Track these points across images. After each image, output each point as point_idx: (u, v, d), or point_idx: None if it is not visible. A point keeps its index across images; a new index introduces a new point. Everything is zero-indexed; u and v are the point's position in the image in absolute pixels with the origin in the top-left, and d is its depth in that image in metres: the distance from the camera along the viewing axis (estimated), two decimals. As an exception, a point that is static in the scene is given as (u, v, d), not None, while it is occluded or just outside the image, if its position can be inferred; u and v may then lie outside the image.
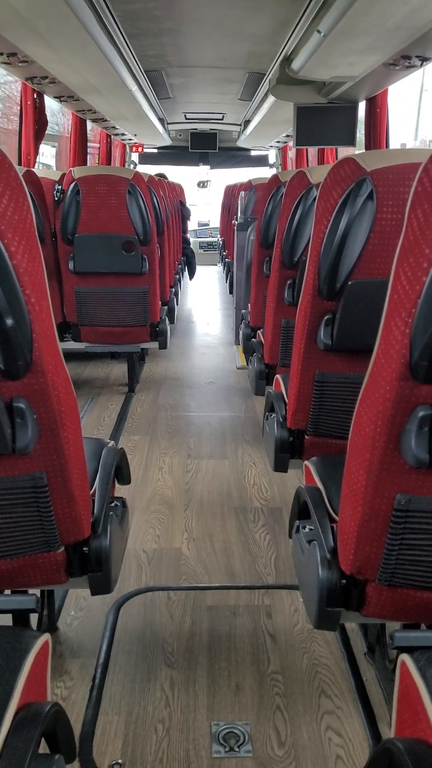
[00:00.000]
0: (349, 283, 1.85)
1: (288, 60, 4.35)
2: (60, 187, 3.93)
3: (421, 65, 3.92)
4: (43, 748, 1.16)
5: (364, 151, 4.50)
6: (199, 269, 10.33)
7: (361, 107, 5.25)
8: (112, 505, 1.72)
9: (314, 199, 2.43)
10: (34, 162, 5.12)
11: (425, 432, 1.12)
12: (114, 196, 3.80)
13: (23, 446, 1.23)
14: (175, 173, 11.72)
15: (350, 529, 1.33)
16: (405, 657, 1.08)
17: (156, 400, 4.47)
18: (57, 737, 1.15)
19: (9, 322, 1.10)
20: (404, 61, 3.86)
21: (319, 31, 3.41)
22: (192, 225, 12.74)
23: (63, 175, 4.01)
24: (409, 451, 1.14)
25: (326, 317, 1.96)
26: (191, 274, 9.39)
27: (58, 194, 3.92)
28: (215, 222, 13.33)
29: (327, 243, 1.84)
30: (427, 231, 1.02)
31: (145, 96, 5.93)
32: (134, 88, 5.21)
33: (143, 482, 3.18)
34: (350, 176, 1.76)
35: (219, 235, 12.16)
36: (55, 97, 5.35)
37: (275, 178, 3.58)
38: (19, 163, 5.03)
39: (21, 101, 4.96)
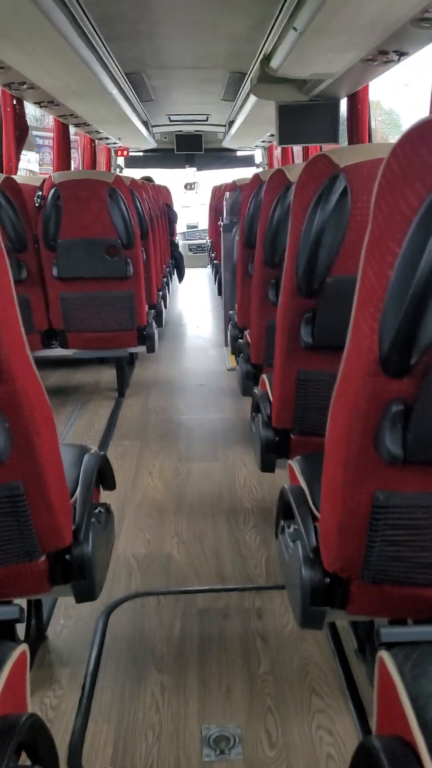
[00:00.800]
0: (328, 280, 1.84)
1: (267, 59, 4.34)
2: (41, 193, 3.91)
3: (399, 60, 3.92)
4: (26, 761, 1.15)
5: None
6: (189, 272, 10.32)
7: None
8: (96, 511, 1.71)
9: (293, 197, 2.42)
10: (16, 169, 5.10)
11: (398, 427, 1.11)
12: (95, 201, 3.78)
13: None
14: (163, 176, 11.72)
15: (331, 528, 1.32)
16: (383, 653, 1.07)
17: (146, 404, 4.46)
18: (37, 748, 1.14)
19: None
20: (382, 56, 3.86)
21: (295, 29, 3.40)
22: (181, 227, 12.74)
23: (44, 181, 4.00)
24: (384, 447, 1.13)
25: (306, 315, 1.95)
26: (180, 277, 9.37)
27: (39, 200, 3.90)
28: (204, 224, 13.32)
29: (303, 240, 1.83)
30: (391, 224, 1.01)
31: (126, 99, 5.91)
32: (115, 91, 5.19)
33: (133, 487, 3.16)
34: (324, 172, 1.75)
35: (208, 237, 12.16)
36: (35, 103, 5.34)
37: (256, 178, 3.58)
38: (1, 170, 5.01)
39: (0, 108, 4.94)
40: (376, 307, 1.06)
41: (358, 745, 1.08)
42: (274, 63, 4.24)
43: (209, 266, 11.83)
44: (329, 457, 1.30)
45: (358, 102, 5.09)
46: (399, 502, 1.21)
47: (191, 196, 13.13)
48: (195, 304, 9.03)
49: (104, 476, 1.91)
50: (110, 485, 1.96)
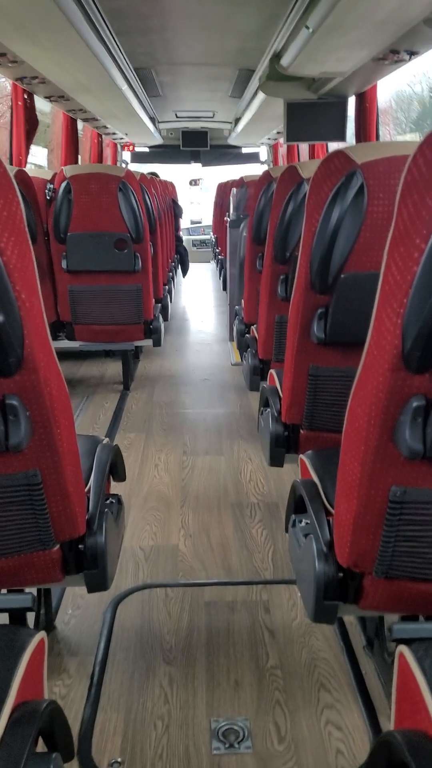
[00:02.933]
0: (342, 276, 1.85)
1: (277, 56, 4.35)
2: (52, 186, 3.92)
3: (410, 59, 3.92)
4: (41, 747, 1.16)
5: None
6: (193, 267, 10.32)
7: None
8: (108, 502, 1.71)
9: (305, 193, 2.43)
10: (26, 162, 5.11)
11: (419, 423, 1.12)
12: (106, 195, 3.79)
13: (16, 444, 1.23)
14: (169, 172, 11.71)
15: (346, 522, 1.32)
16: (403, 648, 1.08)
17: (151, 397, 4.47)
18: (54, 735, 1.15)
19: (0, 318, 1.10)
20: (393, 55, 3.86)
21: (307, 27, 3.41)
22: (185, 223, 12.75)
23: (55, 175, 4.00)
24: (404, 442, 1.14)
25: (319, 311, 1.96)
26: (184, 272, 9.37)
27: (50, 193, 3.91)
28: (207, 220, 13.34)
29: (318, 237, 1.83)
30: (417, 221, 1.02)
31: (135, 94, 5.92)
32: (124, 86, 5.20)
33: (139, 479, 3.18)
34: (340, 170, 1.76)
35: (212, 233, 12.16)
36: (45, 97, 5.34)
37: (266, 174, 3.58)
38: (11, 164, 5.02)
39: (12, 101, 4.95)
40: (400, 303, 1.06)
41: (378, 739, 1.08)
42: (284, 61, 4.25)
43: (212, 261, 11.84)
44: (346, 451, 1.30)
45: (366, 101, 5.09)
46: (416, 497, 1.22)
47: (200, 193, 13.14)
48: (199, 299, 9.04)
49: (116, 467, 1.92)
50: (121, 476, 1.97)
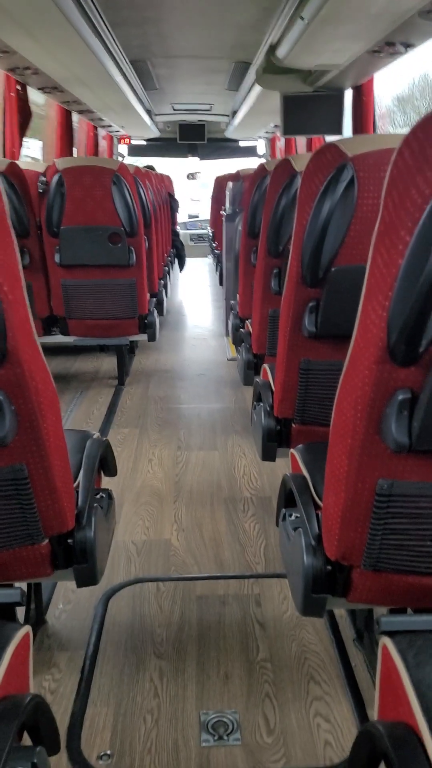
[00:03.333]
0: (332, 269, 1.84)
1: (273, 48, 4.32)
2: (44, 179, 3.90)
3: (405, 51, 3.91)
4: (28, 742, 1.16)
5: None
6: (190, 261, 10.30)
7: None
8: (98, 496, 1.71)
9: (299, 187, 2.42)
10: (19, 154, 5.08)
11: (405, 416, 1.12)
12: (99, 188, 3.77)
13: (1, 438, 1.22)
14: (169, 167, 11.68)
15: (334, 516, 1.32)
16: (386, 640, 1.08)
17: (146, 392, 4.46)
18: (39, 729, 1.15)
19: None
20: (388, 48, 3.84)
21: (302, 18, 3.39)
22: (182, 217, 12.72)
23: (48, 167, 3.98)
24: (390, 435, 1.14)
25: (310, 305, 1.95)
26: (181, 266, 9.37)
27: (43, 186, 3.89)
28: (205, 215, 13.31)
29: (309, 230, 1.83)
30: (402, 213, 1.01)
31: (131, 87, 5.89)
32: (119, 78, 5.17)
33: (132, 474, 3.17)
34: (332, 162, 1.75)
35: (209, 227, 12.14)
36: (39, 89, 5.31)
37: (261, 168, 3.57)
38: (3, 156, 4.99)
39: (4, 93, 4.91)
40: (386, 296, 1.06)
41: (361, 730, 1.09)
42: (280, 53, 4.23)
43: (210, 256, 11.82)
44: (333, 444, 1.30)
45: (363, 93, 5.07)
46: (403, 490, 1.22)
47: (200, 189, 13.12)
48: (195, 293, 9.03)
49: (106, 462, 1.92)
50: (112, 471, 1.97)
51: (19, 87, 4.97)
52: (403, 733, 0.95)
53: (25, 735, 1.15)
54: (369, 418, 1.16)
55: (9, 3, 3.08)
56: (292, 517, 1.61)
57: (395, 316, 1.05)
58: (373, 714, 1.68)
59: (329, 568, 1.43)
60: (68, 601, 2.21)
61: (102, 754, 1.64)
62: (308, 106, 5.32)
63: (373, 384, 1.12)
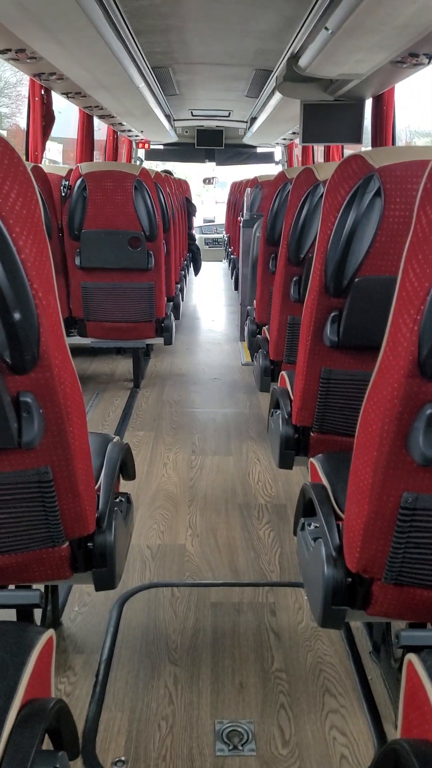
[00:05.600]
0: (356, 279, 1.84)
1: (295, 57, 4.34)
2: (67, 182, 3.92)
3: (429, 63, 3.91)
4: (47, 744, 1.16)
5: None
6: (205, 265, 10.33)
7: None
8: (117, 500, 1.72)
9: (321, 195, 2.42)
10: (41, 158, 5.12)
11: None
12: (120, 192, 3.79)
13: (29, 441, 1.23)
14: (188, 172, 11.71)
15: (356, 527, 1.32)
16: (412, 657, 1.07)
17: (161, 395, 4.47)
18: (61, 734, 1.15)
19: (17, 316, 1.10)
20: (412, 59, 3.85)
21: (327, 29, 3.40)
22: (197, 221, 12.76)
23: (70, 171, 4.01)
24: (417, 449, 1.13)
25: (333, 314, 1.95)
26: (196, 270, 9.40)
27: (65, 190, 3.92)
28: (220, 219, 13.34)
29: (334, 240, 1.83)
30: None
31: (152, 92, 5.92)
32: (141, 84, 5.20)
33: (147, 478, 3.18)
34: (358, 173, 1.75)
35: (224, 232, 12.16)
36: (62, 94, 5.35)
37: (282, 175, 3.57)
38: (27, 159, 5.03)
39: (29, 97, 4.96)
40: (417, 309, 1.06)
41: (384, 747, 1.08)
42: (303, 62, 4.24)
43: (224, 260, 11.84)
44: (358, 456, 1.30)
45: (383, 103, 5.08)
46: (428, 504, 1.21)
47: (220, 192, 13.16)
48: (210, 297, 9.04)
49: (125, 466, 1.92)
50: (131, 475, 1.97)
51: (43, 92, 5.00)
52: (430, 751, 0.94)
53: (46, 738, 1.15)
54: (396, 431, 1.15)
55: (39, 11, 3.11)
56: (312, 527, 1.61)
57: (426, 330, 1.05)
58: (391, 729, 1.68)
59: (349, 580, 1.43)
60: (84, 604, 2.21)
61: (117, 759, 1.64)
62: (328, 115, 5.34)
63: (402, 397, 1.12)
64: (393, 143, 5.20)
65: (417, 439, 1.13)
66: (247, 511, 2.88)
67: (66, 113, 5.91)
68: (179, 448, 3.56)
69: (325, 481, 1.69)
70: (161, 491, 3.05)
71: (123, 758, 1.64)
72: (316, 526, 1.59)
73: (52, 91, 5.18)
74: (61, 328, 1.24)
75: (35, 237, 1.11)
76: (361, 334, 1.92)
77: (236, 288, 7.65)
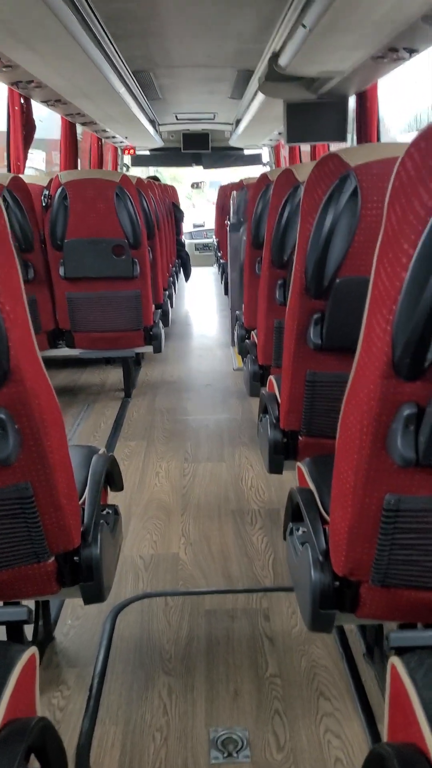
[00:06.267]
0: (337, 281, 1.83)
1: (276, 56, 4.33)
2: (48, 192, 3.90)
3: (409, 57, 3.90)
4: (36, 764, 1.14)
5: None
6: (195, 271, 10.32)
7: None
8: (104, 512, 1.70)
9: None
10: (23, 168, 5.10)
11: (411, 430, 1.10)
12: (102, 200, 3.77)
13: (5, 457, 1.21)
14: (176, 175, 11.71)
15: (341, 531, 1.31)
16: (395, 659, 1.06)
17: (153, 404, 4.45)
18: (47, 752, 1.13)
19: None
20: (392, 53, 3.84)
21: (304, 26, 3.39)
22: (187, 227, 12.76)
23: (51, 181, 3.99)
24: (396, 450, 1.12)
25: (315, 316, 1.94)
26: (186, 276, 9.38)
27: (46, 200, 3.90)
28: (210, 224, 13.34)
29: (313, 241, 1.82)
30: (405, 225, 1.00)
31: (134, 98, 5.91)
32: (122, 90, 5.19)
33: (140, 488, 3.16)
34: (334, 172, 1.74)
35: (214, 236, 12.16)
36: (42, 102, 5.34)
37: (264, 177, 3.56)
38: (9, 170, 5.01)
39: (8, 107, 4.94)
40: (390, 309, 1.04)
41: (370, 752, 1.07)
42: (283, 61, 4.23)
43: (215, 265, 11.84)
44: (340, 459, 1.29)
45: (366, 100, 5.07)
46: (410, 506, 1.20)
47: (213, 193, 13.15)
48: (201, 303, 9.03)
49: (112, 477, 1.91)
50: (118, 486, 1.96)
51: (22, 101, 4.99)
52: (412, 754, 0.93)
53: (33, 759, 1.14)
54: (375, 433, 1.14)
55: (11, 18, 3.09)
56: (299, 532, 1.59)
57: (400, 329, 1.04)
58: (385, 732, 1.67)
59: (337, 583, 1.41)
60: (76, 617, 2.19)
61: (111, 774, 1.62)
62: (312, 114, 5.33)
63: (379, 399, 1.11)
64: (378, 140, 5.20)
65: (395, 440, 1.12)
66: (240, 517, 2.86)
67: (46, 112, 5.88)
68: (171, 456, 3.55)
69: (311, 485, 1.68)
70: (154, 501, 3.03)
71: None
72: (303, 531, 1.58)
73: (32, 100, 5.16)
74: (32, 341, 1.22)
75: (0, 248, 1.10)
76: (344, 336, 1.90)
77: (226, 293, 7.65)
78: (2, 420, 1.19)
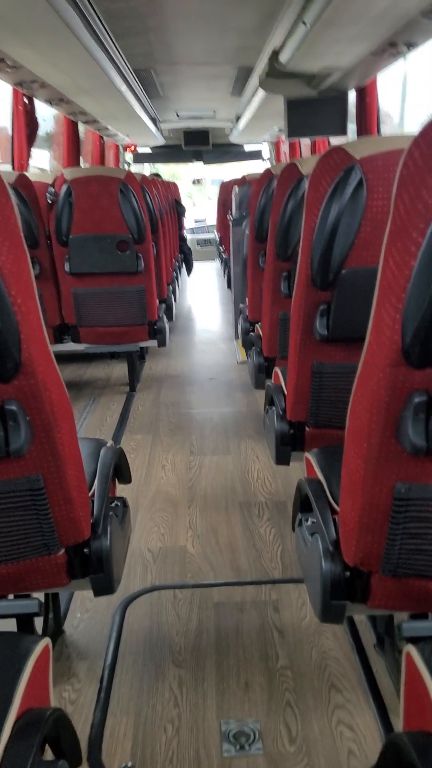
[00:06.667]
0: (343, 272, 1.83)
1: (276, 53, 4.33)
2: (53, 189, 3.92)
3: (408, 51, 3.90)
4: (50, 755, 1.15)
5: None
6: (197, 266, 10.32)
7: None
8: (113, 505, 1.71)
9: (306, 190, 2.42)
10: (27, 165, 5.11)
11: (421, 418, 1.11)
12: (106, 197, 3.78)
13: (17, 449, 1.22)
14: (175, 172, 11.72)
15: (351, 521, 1.31)
16: (410, 648, 1.06)
17: (157, 398, 4.46)
18: (61, 743, 1.14)
19: None
20: (391, 48, 3.84)
21: (304, 23, 3.39)
22: (189, 222, 12.77)
23: (56, 178, 4.00)
24: (407, 438, 1.13)
25: (321, 307, 1.94)
26: (189, 271, 9.40)
27: (51, 197, 3.91)
28: (211, 220, 13.36)
29: (318, 233, 1.82)
30: (413, 214, 1.00)
31: (135, 96, 5.91)
32: (124, 88, 5.19)
33: (146, 481, 3.17)
34: (339, 165, 1.74)
35: (216, 232, 12.16)
36: (45, 101, 5.34)
37: (267, 172, 3.56)
38: (13, 168, 5.02)
39: (12, 106, 4.95)
40: (399, 298, 1.05)
41: (386, 741, 1.07)
42: (283, 57, 4.23)
43: (217, 259, 11.84)
44: (349, 448, 1.29)
45: (366, 95, 5.07)
46: (421, 494, 1.21)
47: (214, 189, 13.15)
48: (204, 297, 9.03)
49: (120, 470, 1.92)
50: (126, 479, 1.97)
51: (26, 100, 4.99)
52: (428, 742, 0.94)
53: (48, 749, 1.15)
54: (385, 422, 1.15)
55: (14, 17, 3.10)
56: (309, 522, 1.60)
57: (409, 318, 1.05)
58: (398, 721, 1.67)
59: (348, 573, 1.42)
60: (86, 610, 2.20)
61: (123, 765, 1.63)
62: (312, 109, 5.33)
63: (389, 387, 1.11)
64: (378, 134, 5.19)
65: (406, 428, 1.12)
66: (248, 509, 2.87)
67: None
68: (177, 449, 3.56)
69: (320, 476, 1.68)
70: (160, 493, 3.04)
71: (129, 763, 1.63)
72: (312, 521, 1.58)
73: (35, 99, 5.17)
74: (43, 335, 1.23)
75: (11, 242, 1.11)
76: (350, 326, 1.91)
77: (229, 286, 7.64)
78: (14, 412, 1.20)
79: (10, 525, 1.37)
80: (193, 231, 13.60)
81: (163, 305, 4.78)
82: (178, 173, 16.24)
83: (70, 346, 4.25)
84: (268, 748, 1.66)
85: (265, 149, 10.63)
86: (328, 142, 6.19)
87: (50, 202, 3.93)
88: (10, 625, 1.61)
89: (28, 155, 5.07)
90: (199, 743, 1.68)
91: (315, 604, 1.51)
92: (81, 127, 6.75)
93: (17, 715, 1.00)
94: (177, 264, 8.13)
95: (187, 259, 9.10)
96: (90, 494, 1.62)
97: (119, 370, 5.10)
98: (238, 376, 4.93)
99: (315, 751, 1.65)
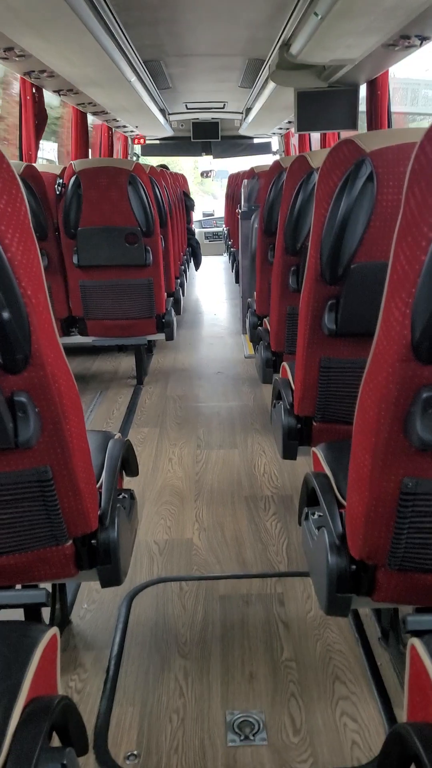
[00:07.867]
0: (352, 266, 1.83)
1: (287, 45, 4.31)
2: (61, 180, 3.91)
3: (421, 45, 3.88)
4: (57, 742, 1.16)
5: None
6: (205, 259, 10.31)
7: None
8: (120, 497, 1.72)
9: (315, 183, 2.41)
10: (35, 157, 5.11)
11: (430, 413, 1.11)
12: (115, 188, 3.78)
13: (26, 440, 1.23)
14: (181, 164, 11.69)
15: (358, 515, 1.32)
16: (415, 641, 1.07)
17: (165, 391, 4.47)
18: (68, 730, 1.15)
19: (5, 315, 1.09)
20: (403, 41, 3.82)
21: (316, 14, 3.38)
22: (197, 215, 12.73)
23: (64, 169, 4.00)
24: (415, 433, 1.13)
25: (330, 302, 1.94)
26: (197, 265, 9.39)
27: (60, 188, 3.91)
28: (220, 212, 13.32)
29: (328, 227, 1.82)
30: (425, 209, 1.00)
31: (144, 87, 5.90)
32: (133, 78, 5.18)
33: (153, 474, 3.18)
34: (349, 158, 1.74)
35: (224, 225, 12.14)
36: (54, 91, 5.34)
37: (277, 165, 3.56)
38: (21, 159, 5.02)
39: (20, 96, 4.94)
40: (409, 293, 1.05)
41: (390, 732, 1.08)
42: (294, 49, 4.21)
43: (225, 254, 11.82)
44: (357, 443, 1.29)
45: (377, 88, 5.04)
46: (428, 489, 1.21)
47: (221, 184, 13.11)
48: (212, 291, 9.02)
49: (128, 462, 1.92)
50: (134, 471, 1.97)
51: (34, 90, 4.99)
52: None
53: (55, 736, 1.16)
54: (393, 417, 1.15)
55: (24, 7, 3.09)
56: (315, 516, 1.60)
57: (419, 313, 1.05)
58: (402, 714, 1.68)
59: (354, 567, 1.42)
60: (92, 601, 2.22)
61: (129, 754, 1.64)
62: (322, 102, 5.31)
63: (397, 382, 1.11)
64: (389, 127, 5.17)
65: (414, 423, 1.13)
66: (254, 503, 2.87)
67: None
68: (184, 442, 3.56)
69: (327, 470, 1.69)
70: (167, 486, 3.05)
71: (135, 752, 1.65)
72: (319, 515, 1.59)
73: (44, 89, 5.16)
74: (53, 327, 1.23)
75: (22, 234, 1.11)
76: (359, 322, 1.91)
77: (237, 281, 7.63)
78: (23, 403, 1.21)
79: (19, 516, 1.38)
80: (201, 224, 13.55)
81: (171, 299, 4.78)
82: (180, 164, 16.12)
83: (77, 339, 4.25)
84: (272, 739, 1.67)
85: (275, 142, 10.60)
86: (338, 135, 6.17)
87: (58, 193, 3.93)
88: (18, 616, 1.63)
89: (37, 147, 5.07)
90: (204, 733, 1.70)
91: (320, 597, 1.51)
92: (89, 119, 6.75)
93: (25, 703, 1.01)
94: (185, 257, 8.12)
95: (195, 253, 9.09)
96: (98, 486, 1.63)
97: (126, 363, 5.11)
98: (245, 370, 4.93)
99: (318, 742, 1.66)
